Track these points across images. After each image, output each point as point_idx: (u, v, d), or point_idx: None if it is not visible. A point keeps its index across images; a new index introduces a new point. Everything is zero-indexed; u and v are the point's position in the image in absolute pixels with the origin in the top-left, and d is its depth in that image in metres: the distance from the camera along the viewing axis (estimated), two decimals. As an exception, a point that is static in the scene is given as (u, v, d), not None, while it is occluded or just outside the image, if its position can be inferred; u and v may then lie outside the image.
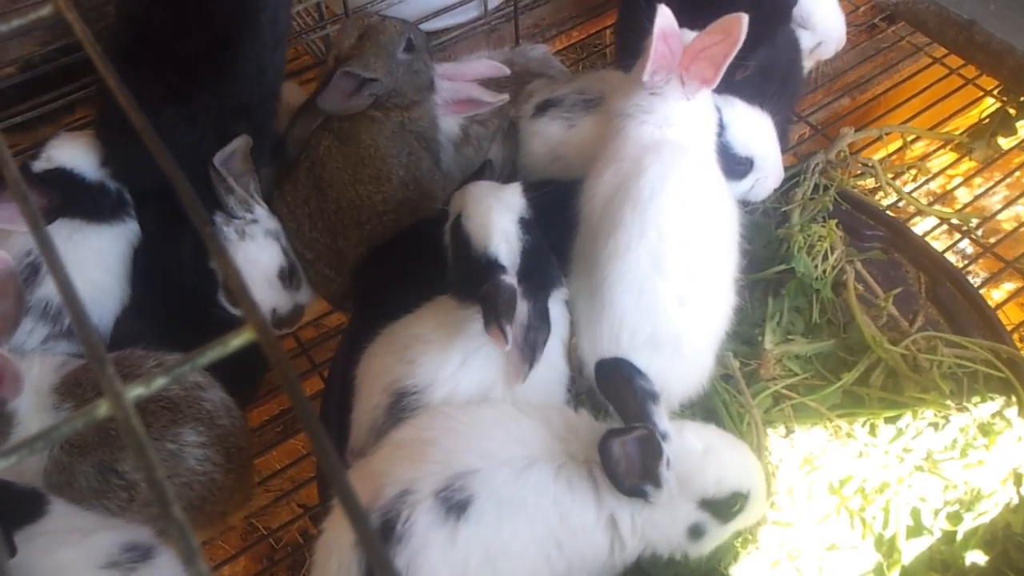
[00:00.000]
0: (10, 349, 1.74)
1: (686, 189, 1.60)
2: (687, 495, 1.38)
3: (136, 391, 0.57)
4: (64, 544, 1.32)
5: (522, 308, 1.50)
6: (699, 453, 1.40)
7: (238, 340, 0.60)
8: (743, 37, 1.57)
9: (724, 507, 1.41)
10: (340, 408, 1.73)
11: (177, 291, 1.93)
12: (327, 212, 1.97)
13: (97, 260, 1.87)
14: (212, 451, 1.63)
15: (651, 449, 1.34)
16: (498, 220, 1.57)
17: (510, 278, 1.52)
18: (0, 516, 1.25)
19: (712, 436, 1.46)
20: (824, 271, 1.91)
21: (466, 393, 1.54)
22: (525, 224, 1.60)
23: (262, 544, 2.18)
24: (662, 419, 1.40)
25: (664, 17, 1.61)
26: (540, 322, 1.54)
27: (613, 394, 1.44)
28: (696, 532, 1.41)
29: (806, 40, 2.22)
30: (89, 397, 1.57)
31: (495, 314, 1.44)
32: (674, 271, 1.58)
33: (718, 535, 1.44)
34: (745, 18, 1.57)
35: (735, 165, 1.85)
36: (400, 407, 1.53)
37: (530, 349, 1.49)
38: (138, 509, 1.56)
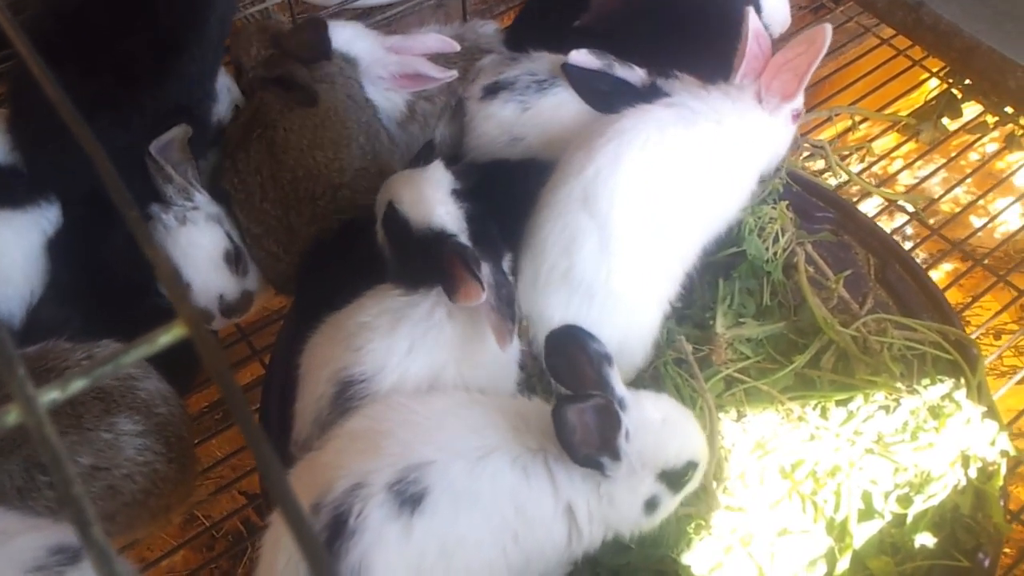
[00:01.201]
0: None
1: (665, 147, 1.64)
2: (648, 468, 1.36)
3: (51, 395, 0.52)
4: None
5: (484, 269, 1.46)
6: (658, 424, 1.39)
7: (167, 336, 0.54)
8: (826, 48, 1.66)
9: (678, 477, 1.40)
10: (282, 397, 1.67)
11: (111, 277, 1.84)
12: (281, 182, 1.89)
13: (5, 248, 1.78)
14: (151, 440, 1.56)
15: (609, 419, 1.31)
16: (432, 194, 1.56)
17: (463, 240, 1.50)
18: None
19: (667, 406, 1.44)
20: (775, 253, 1.89)
21: (415, 379, 1.50)
22: (460, 195, 1.59)
23: (203, 535, 2.12)
24: (619, 384, 1.38)
25: (753, 18, 1.70)
26: (505, 279, 1.52)
27: (565, 367, 1.41)
28: (651, 505, 1.39)
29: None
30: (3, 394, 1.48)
31: (466, 267, 1.41)
32: (603, 213, 1.59)
33: (669, 505, 1.43)
34: (829, 28, 1.65)
35: None
36: (346, 396, 1.48)
37: (507, 305, 1.46)
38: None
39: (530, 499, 1.33)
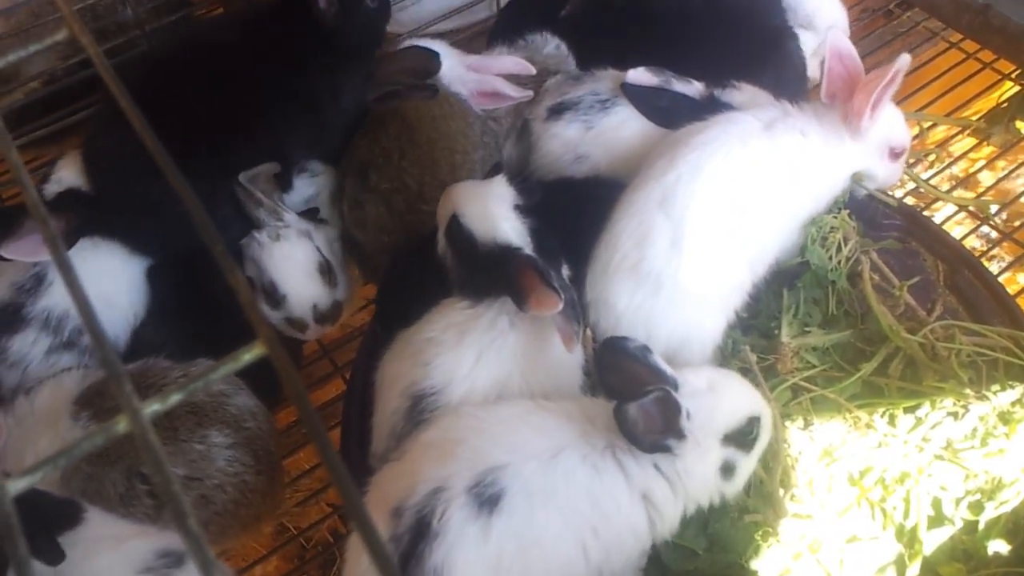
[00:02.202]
0: (12, 363, 1.82)
1: (746, 158, 1.73)
2: (711, 435, 1.42)
3: (153, 407, 0.60)
4: (101, 551, 1.35)
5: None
6: (705, 392, 1.45)
7: (249, 355, 0.62)
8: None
9: (744, 436, 1.45)
10: (362, 411, 1.75)
11: (210, 300, 1.96)
12: (418, 142, 2.00)
13: (111, 275, 1.90)
14: (240, 452, 1.66)
15: (670, 406, 1.37)
16: (497, 210, 1.62)
17: (529, 252, 1.58)
18: (44, 523, 1.29)
19: (708, 372, 1.51)
20: (839, 262, 1.90)
21: (484, 389, 1.56)
22: (522, 210, 1.65)
23: (292, 544, 2.21)
24: (666, 366, 1.45)
25: (836, 37, 1.77)
26: (568, 285, 1.59)
27: (620, 379, 1.46)
28: (728, 470, 1.45)
29: (809, 41, 2.23)
30: (108, 407, 1.60)
31: (542, 278, 1.47)
32: (678, 215, 1.68)
33: (746, 467, 1.48)
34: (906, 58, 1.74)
35: None
36: (419, 409, 1.55)
37: (572, 308, 1.52)
38: (170, 517, 1.59)
39: (604, 493, 1.39)
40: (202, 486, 1.61)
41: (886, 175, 1.92)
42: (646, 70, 1.93)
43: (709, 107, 1.96)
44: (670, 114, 1.95)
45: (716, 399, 1.45)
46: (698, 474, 1.43)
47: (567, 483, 1.37)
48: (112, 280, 1.91)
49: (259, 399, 1.79)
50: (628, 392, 1.43)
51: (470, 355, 1.56)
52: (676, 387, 1.42)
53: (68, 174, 1.92)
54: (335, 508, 2.21)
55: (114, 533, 1.37)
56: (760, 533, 1.57)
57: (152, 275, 1.97)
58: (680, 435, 1.39)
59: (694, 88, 1.98)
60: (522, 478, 1.35)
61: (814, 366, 1.83)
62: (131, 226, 1.90)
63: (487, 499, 1.33)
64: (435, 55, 2.04)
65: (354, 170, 2.03)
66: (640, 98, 1.94)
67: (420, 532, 1.32)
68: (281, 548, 2.18)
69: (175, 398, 0.61)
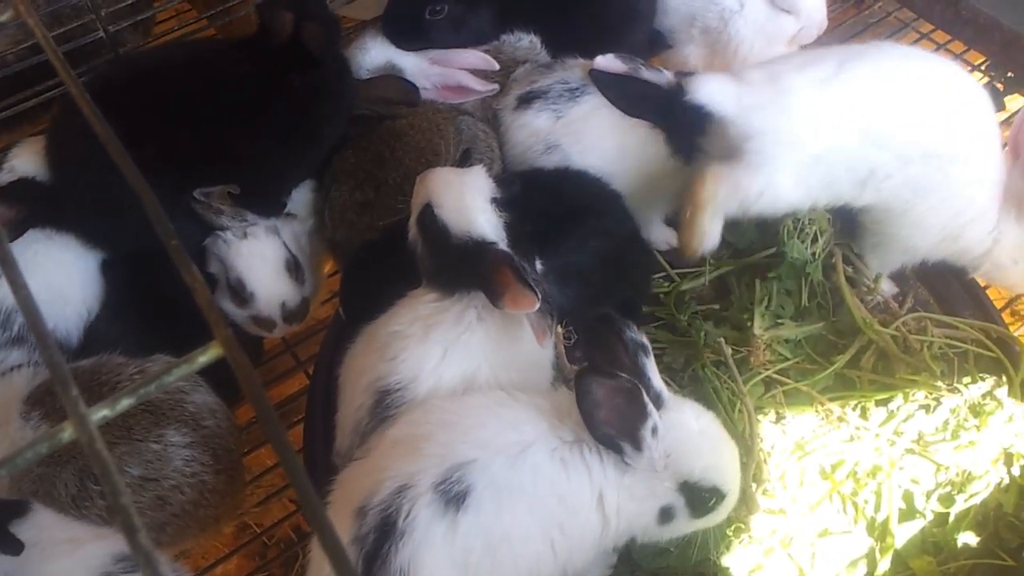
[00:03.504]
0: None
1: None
2: (671, 472, 1.35)
3: (101, 413, 0.56)
4: (57, 555, 1.31)
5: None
6: (694, 432, 1.38)
7: (205, 357, 0.58)
8: None
9: (700, 498, 1.37)
10: (326, 406, 1.71)
11: (168, 294, 1.90)
12: (406, 139, 1.97)
13: (64, 268, 1.84)
14: (198, 451, 1.61)
15: (636, 407, 1.31)
16: (474, 202, 1.56)
17: (503, 247, 1.52)
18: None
19: (711, 423, 1.42)
20: (813, 254, 1.89)
21: (451, 383, 1.52)
22: (498, 203, 1.60)
23: (255, 542, 2.16)
24: (656, 376, 1.38)
25: None
26: (541, 277, 1.54)
27: (604, 357, 1.41)
28: (666, 515, 1.38)
29: (789, 26, 2.21)
30: (60, 406, 1.54)
31: (518, 276, 1.42)
32: None
33: (684, 526, 1.41)
34: None
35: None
36: (384, 405, 1.51)
37: (546, 303, 1.47)
38: None
39: (570, 489, 1.34)
40: (159, 487, 1.55)
41: None
42: (615, 57, 1.90)
43: (677, 96, 1.94)
44: (638, 102, 1.92)
45: (698, 445, 1.37)
46: (641, 501, 1.37)
47: (535, 479, 1.33)
48: (65, 273, 1.84)
49: (219, 395, 1.74)
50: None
51: (437, 350, 1.52)
52: (657, 400, 1.36)
53: (21, 163, 1.85)
54: (298, 505, 2.16)
55: (69, 536, 1.32)
56: (732, 529, 1.56)
57: (107, 268, 1.91)
58: (637, 446, 1.33)
59: (663, 76, 1.95)
60: (490, 474, 1.31)
61: (787, 359, 1.82)
62: (87, 219, 1.84)
63: (454, 496, 1.29)
64: (414, 87, 2.02)
65: (342, 179, 1.98)
66: (608, 85, 1.91)
67: (385, 532, 1.28)
68: (244, 547, 2.13)
69: (125, 403, 0.57)
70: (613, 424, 1.31)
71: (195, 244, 1.91)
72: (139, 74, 1.88)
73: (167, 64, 1.91)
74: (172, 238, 0.62)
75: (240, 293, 1.89)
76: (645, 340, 1.40)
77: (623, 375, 1.32)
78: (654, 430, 1.33)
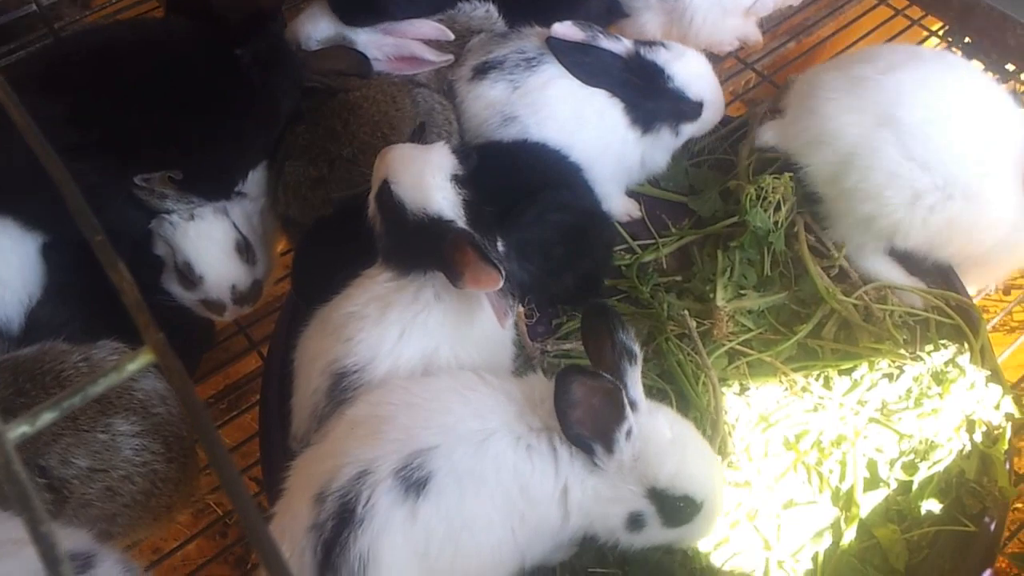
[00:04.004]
0: None
1: None
2: (637, 476, 1.32)
3: (20, 429, 0.51)
4: (2, 556, 1.25)
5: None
6: (665, 439, 1.34)
7: (135, 364, 0.53)
8: None
9: (672, 507, 1.33)
10: (282, 388, 1.66)
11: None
12: (360, 112, 1.91)
13: (2, 253, 1.76)
14: (149, 440, 1.55)
15: (614, 408, 1.29)
16: (432, 179, 1.51)
17: (461, 225, 1.48)
18: None
19: (686, 432, 1.38)
20: (776, 223, 1.87)
21: (409, 364, 1.48)
22: (459, 180, 1.54)
23: (217, 524, 2.13)
24: (636, 384, 1.35)
25: None
26: (502, 256, 1.51)
27: (593, 345, 1.38)
28: (635, 522, 1.34)
29: None
30: None
31: (481, 254, 1.38)
32: None
33: (656, 536, 1.37)
34: None
35: (688, 109, 1.94)
36: (341, 388, 1.47)
37: (507, 282, 1.43)
38: (73, 511, 1.47)
39: (533, 479, 1.32)
40: (108, 477, 1.49)
41: None
42: (573, 24, 1.86)
43: (635, 64, 1.90)
44: (595, 70, 1.88)
45: (668, 452, 1.33)
46: (604, 502, 1.33)
47: (498, 467, 1.30)
48: (2, 258, 1.76)
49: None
50: (595, 358, 1.38)
51: (394, 330, 1.48)
52: (635, 407, 1.33)
53: None
54: (260, 485, 2.12)
55: (14, 537, 1.26)
56: (699, 503, 1.55)
57: (49, 252, 1.83)
58: (609, 448, 1.30)
59: (621, 45, 1.92)
60: (451, 461, 1.28)
61: (750, 330, 1.80)
62: (24, 202, 1.76)
63: (414, 483, 1.26)
64: (365, 58, 1.96)
65: (295, 155, 1.92)
66: (565, 53, 1.87)
67: (344, 518, 1.24)
68: (206, 530, 2.09)
69: (47, 417, 0.52)
70: (587, 424, 1.28)
71: (142, 228, 1.84)
72: (85, 53, 1.79)
73: (114, 43, 1.81)
74: (97, 233, 0.57)
75: (189, 276, 1.84)
76: (636, 348, 1.36)
77: (606, 375, 1.29)
78: (628, 433, 1.30)
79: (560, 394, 1.26)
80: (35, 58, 1.89)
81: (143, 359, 0.53)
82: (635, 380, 1.34)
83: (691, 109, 1.94)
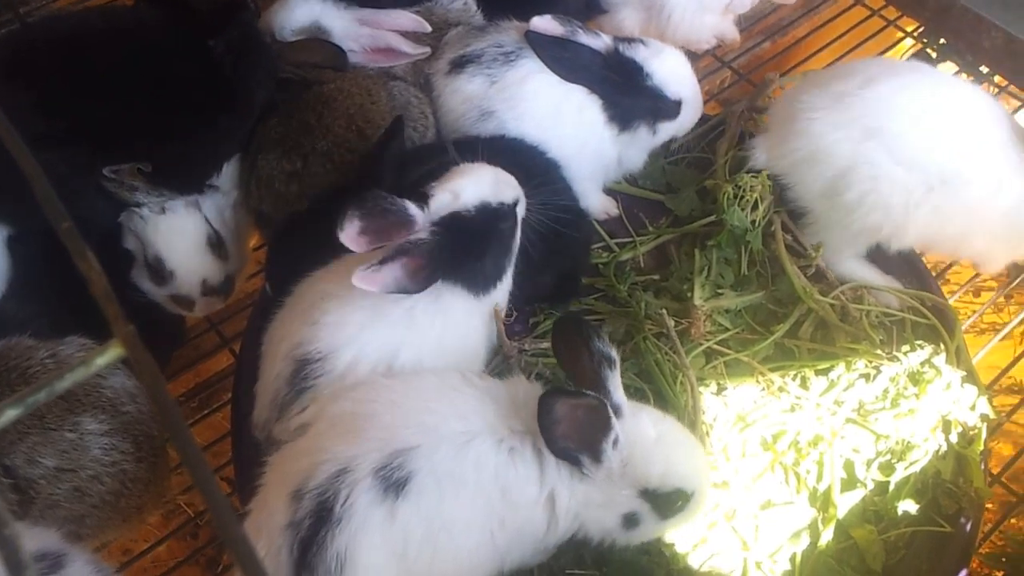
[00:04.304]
0: None
1: None
2: (628, 480, 1.32)
3: (-19, 427, 0.48)
4: None
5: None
6: (651, 440, 1.34)
7: (104, 358, 0.51)
8: None
9: (665, 502, 1.34)
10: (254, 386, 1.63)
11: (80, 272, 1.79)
12: (335, 105, 1.88)
13: None
14: (118, 439, 1.52)
15: (599, 422, 1.28)
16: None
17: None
18: None
19: (668, 428, 1.38)
20: (753, 221, 1.87)
21: (371, 358, 1.47)
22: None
23: (188, 525, 2.09)
24: (617, 389, 1.34)
25: None
26: None
27: (567, 356, 1.38)
28: (631, 521, 1.35)
29: None
30: None
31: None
32: None
33: (653, 529, 1.39)
34: None
35: (667, 107, 1.93)
36: (302, 375, 1.45)
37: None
38: (40, 513, 1.44)
39: (515, 483, 1.30)
40: (76, 478, 1.46)
41: None
42: (552, 18, 1.84)
43: (614, 61, 1.89)
44: (573, 65, 1.87)
45: (655, 451, 1.33)
46: (597, 508, 1.34)
47: (478, 471, 1.28)
48: None
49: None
50: (567, 368, 1.37)
51: (358, 315, 1.46)
52: (616, 411, 1.32)
53: None
54: (232, 485, 2.09)
55: None
56: (676, 504, 1.54)
57: (14, 245, 1.78)
58: (597, 457, 1.29)
59: (600, 41, 1.90)
60: (432, 462, 1.26)
61: (727, 329, 1.80)
62: None
63: (394, 483, 1.24)
64: (341, 51, 1.93)
65: (268, 148, 1.88)
66: (543, 47, 1.85)
67: (322, 517, 1.22)
68: (177, 531, 2.05)
69: (11, 414, 0.49)
70: (573, 438, 1.27)
71: (111, 221, 1.80)
72: (54, 40, 1.75)
73: (83, 30, 1.77)
74: (63, 220, 0.54)
75: (159, 271, 1.81)
76: (614, 353, 1.35)
77: (588, 393, 1.28)
78: (615, 442, 1.30)
79: (543, 414, 1.25)
80: (2, 44, 1.84)
81: (112, 353, 0.50)
82: (616, 385, 1.34)
83: (669, 108, 1.93)
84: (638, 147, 1.98)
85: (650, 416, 1.37)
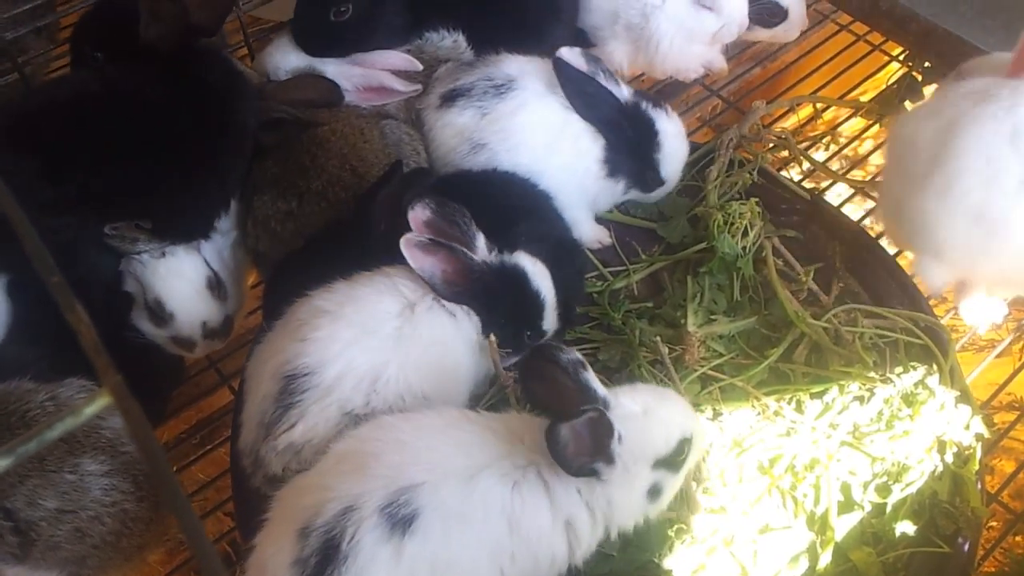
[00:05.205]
0: None
1: None
2: (641, 461, 1.35)
3: (-26, 477, 0.50)
4: None
5: None
6: (640, 416, 1.37)
7: (92, 407, 0.53)
8: None
9: (675, 458, 1.39)
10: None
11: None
12: (331, 147, 1.91)
13: None
14: (118, 479, 1.53)
15: (603, 428, 1.29)
16: None
17: None
18: None
19: (644, 395, 1.42)
20: (743, 248, 1.89)
21: (357, 373, 1.48)
22: None
23: (192, 561, 2.09)
24: (599, 386, 1.36)
25: None
26: None
27: (545, 390, 1.38)
28: (655, 492, 1.39)
29: (710, 23, 2.22)
30: None
31: None
32: None
33: (673, 486, 1.43)
34: None
35: (653, 181, 2.02)
36: (288, 391, 1.46)
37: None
38: (41, 554, 1.45)
39: (525, 516, 1.31)
40: (76, 519, 1.47)
41: None
42: (581, 53, 1.88)
43: (632, 113, 1.94)
44: (593, 104, 1.90)
45: (650, 424, 1.36)
46: (624, 500, 1.36)
47: (485, 505, 1.29)
48: None
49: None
50: (552, 404, 1.38)
51: (348, 333, 1.49)
52: (607, 407, 1.34)
53: None
54: (235, 521, 2.10)
55: None
56: (674, 530, 1.54)
57: (14, 289, 1.80)
58: (610, 459, 1.31)
59: (622, 91, 1.95)
60: (438, 498, 1.27)
61: (721, 355, 1.81)
62: None
63: (400, 520, 1.25)
64: (335, 86, 1.96)
65: (264, 188, 1.91)
66: (570, 78, 1.87)
67: (328, 555, 1.23)
68: (182, 567, 2.06)
69: (2, 464, 0.51)
70: (584, 453, 1.29)
71: (113, 270, 1.84)
72: (53, 106, 1.78)
73: (82, 94, 1.80)
74: (53, 274, 0.56)
75: (159, 314, 1.83)
76: (578, 354, 1.38)
77: (586, 408, 1.29)
78: (619, 437, 1.32)
79: (553, 444, 1.25)
80: (4, 111, 1.87)
81: (100, 402, 0.52)
82: (596, 382, 1.37)
83: (653, 181, 1.99)
84: (609, 196, 2.03)
85: (628, 395, 1.40)
